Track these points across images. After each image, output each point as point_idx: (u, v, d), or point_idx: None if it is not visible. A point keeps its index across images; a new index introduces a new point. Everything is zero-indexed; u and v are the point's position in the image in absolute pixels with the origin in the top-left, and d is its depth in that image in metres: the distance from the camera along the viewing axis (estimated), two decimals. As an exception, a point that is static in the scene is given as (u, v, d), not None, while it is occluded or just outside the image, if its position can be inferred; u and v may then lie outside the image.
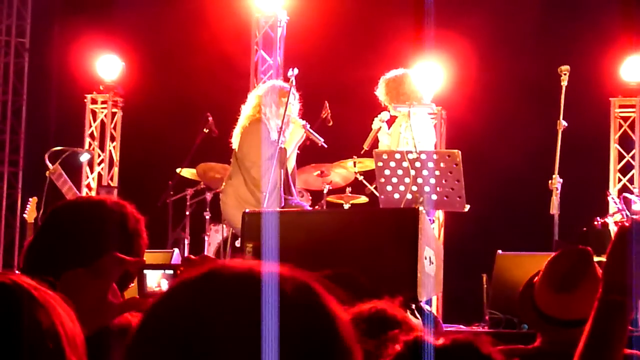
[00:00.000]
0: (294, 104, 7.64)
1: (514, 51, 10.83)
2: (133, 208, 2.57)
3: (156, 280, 2.14)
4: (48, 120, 11.98)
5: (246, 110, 7.75)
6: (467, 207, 7.07)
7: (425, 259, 6.06)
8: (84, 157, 9.79)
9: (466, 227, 9.39)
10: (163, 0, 11.65)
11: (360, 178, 8.66)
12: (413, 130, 7.37)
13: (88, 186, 11.56)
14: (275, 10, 10.88)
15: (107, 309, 2.01)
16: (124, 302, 2.07)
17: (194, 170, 9.68)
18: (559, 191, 7.21)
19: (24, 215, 8.50)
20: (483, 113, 10.46)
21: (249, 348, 1.14)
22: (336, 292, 1.31)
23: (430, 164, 6.94)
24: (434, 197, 6.99)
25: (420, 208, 6.33)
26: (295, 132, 7.62)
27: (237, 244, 7.42)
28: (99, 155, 11.79)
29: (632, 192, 9.45)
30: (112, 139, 11.90)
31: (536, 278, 3.34)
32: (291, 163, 7.73)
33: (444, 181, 6.97)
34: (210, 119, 9.48)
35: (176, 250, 7.82)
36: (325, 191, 8.95)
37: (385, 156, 7.07)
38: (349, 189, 9.20)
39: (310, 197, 9.28)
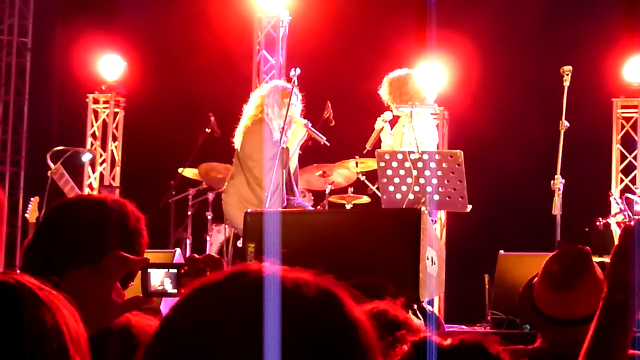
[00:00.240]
0: (297, 104, 7.64)
1: (517, 52, 10.82)
2: (133, 206, 2.55)
3: (159, 279, 2.13)
4: (50, 120, 11.98)
5: (248, 111, 7.75)
6: (469, 208, 7.07)
7: (428, 259, 6.06)
8: (86, 157, 9.79)
9: (468, 228, 9.39)
10: (165, 0, 11.65)
11: (363, 178, 8.66)
12: (415, 131, 7.37)
13: (90, 186, 11.56)
14: (278, 10, 10.88)
15: (111, 308, 2.00)
16: (127, 301, 2.06)
17: (196, 170, 9.68)
18: (561, 191, 7.20)
19: (26, 215, 8.50)
20: (485, 113, 10.46)
21: (271, 352, 1.13)
22: (360, 299, 1.30)
23: (433, 164, 6.94)
24: (436, 197, 6.99)
25: (423, 208, 6.33)
26: (298, 132, 7.62)
27: (239, 244, 7.42)
28: (101, 155, 11.79)
29: (634, 193, 9.44)
30: (114, 138, 11.90)
31: (535, 279, 3.34)
32: (293, 163, 7.73)
33: (446, 181, 6.97)
34: (212, 119, 9.48)
35: (178, 250, 7.82)
36: (327, 191, 8.95)
37: (387, 156, 7.07)
38: (351, 189, 9.20)
39: (312, 197, 9.28)
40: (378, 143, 7.82)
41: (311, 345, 1.14)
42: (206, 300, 1.20)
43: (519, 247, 7.48)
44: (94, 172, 11.70)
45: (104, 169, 11.78)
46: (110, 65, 11.62)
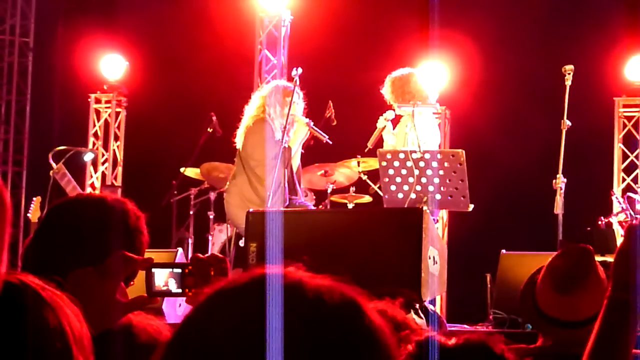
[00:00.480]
0: (298, 102, 7.64)
1: (518, 51, 10.82)
2: (133, 205, 2.54)
3: (164, 280, 2.12)
4: (52, 120, 11.98)
5: (250, 111, 7.75)
6: (471, 207, 7.07)
7: (429, 258, 6.06)
8: (88, 157, 9.80)
9: (470, 227, 9.38)
10: (167, 0, 11.65)
11: (364, 178, 8.65)
12: (417, 130, 7.38)
13: (92, 185, 11.56)
14: (280, 9, 10.88)
15: (115, 308, 2.00)
16: (131, 301, 2.06)
17: (197, 170, 9.68)
18: (563, 191, 7.20)
19: (28, 214, 8.51)
20: (487, 112, 10.46)
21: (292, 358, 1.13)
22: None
23: (434, 164, 6.94)
24: (438, 196, 6.99)
25: (424, 208, 6.33)
26: (300, 131, 7.63)
27: (241, 243, 7.42)
28: (103, 155, 11.80)
29: (636, 192, 9.44)
30: (116, 138, 11.91)
31: (537, 276, 3.33)
32: (296, 162, 7.74)
33: (447, 181, 6.97)
34: (214, 118, 9.47)
35: (180, 250, 7.81)
36: (329, 191, 8.95)
37: (389, 156, 7.07)
38: (352, 189, 9.20)
39: (314, 197, 9.28)
40: (380, 142, 7.82)
41: (333, 353, 1.14)
42: (227, 305, 1.19)
43: (520, 246, 7.48)
44: (95, 171, 11.71)
45: (105, 168, 11.79)
46: (112, 64, 11.62)
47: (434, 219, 6.99)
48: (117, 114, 11.89)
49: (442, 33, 9.85)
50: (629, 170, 10.65)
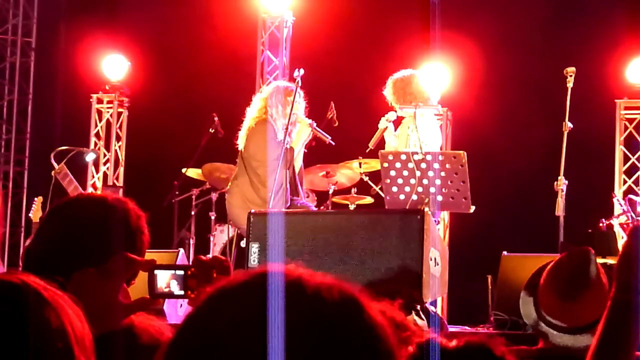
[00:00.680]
0: (300, 102, 7.64)
1: (520, 53, 10.82)
2: (134, 205, 2.54)
3: (166, 281, 2.12)
4: (54, 120, 12.00)
5: (251, 113, 7.75)
6: (473, 209, 7.07)
7: (431, 260, 6.06)
8: (90, 157, 9.80)
9: (471, 229, 9.38)
10: (169, 1, 11.65)
11: (366, 179, 8.66)
12: (419, 132, 7.38)
13: (94, 186, 11.56)
14: (282, 10, 10.88)
15: (117, 309, 2.00)
16: (133, 302, 2.06)
17: (199, 171, 9.68)
18: (564, 193, 7.20)
19: (30, 214, 8.51)
20: (489, 114, 10.46)
21: (293, 357, 1.13)
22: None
23: (436, 165, 6.94)
24: (440, 198, 6.99)
25: (426, 209, 6.33)
26: (302, 131, 7.63)
27: (243, 244, 7.42)
28: (105, 155, 11.80)
29: (637, 194, 9.43)
30: (118, 138, 11.91)
31: (539, 279, 3.33)
32: (298, 163, 7.74)
33: (449, 182, 6.97)
34: (216, 119, 9.47)
35: (181, 251, 7.81)
36: (330, 192, 8.95)
37: (390, 157, 7.07)
38: (354, 190, 9.20)
39: (316, 198, 9.28)
40: (381, 143, 7.82)
41: (334, 350, 1.14)
42: (228, 303, 1.19)
43: (522, 248, 7.47)
44: (97, 172, 11.71)
45: (107, 168, 11.79)
46: (114, 65, 11.62)
47: (435, 221, 6.99)
48: (119, 114, 11.89)
49: (444, 34, 9.86)
50: (630, 172, 10.65)
